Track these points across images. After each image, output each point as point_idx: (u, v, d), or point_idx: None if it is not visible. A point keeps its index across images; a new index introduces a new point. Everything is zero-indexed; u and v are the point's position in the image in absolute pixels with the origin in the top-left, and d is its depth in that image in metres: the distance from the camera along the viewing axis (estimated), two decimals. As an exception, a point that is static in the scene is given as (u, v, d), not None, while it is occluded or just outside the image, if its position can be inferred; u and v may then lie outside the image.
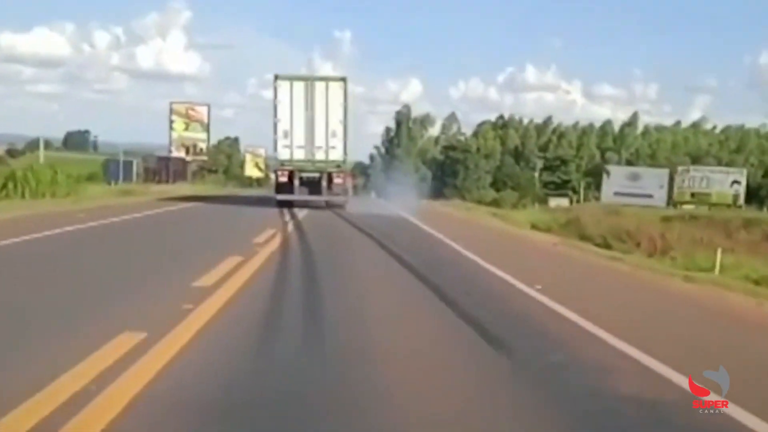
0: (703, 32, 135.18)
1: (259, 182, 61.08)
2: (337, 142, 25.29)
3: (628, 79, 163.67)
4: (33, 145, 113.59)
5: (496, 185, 67.04)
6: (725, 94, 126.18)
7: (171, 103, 59.28)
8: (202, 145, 58.69)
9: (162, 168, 56.22)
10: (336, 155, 25.31)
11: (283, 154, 25.25)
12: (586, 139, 79.63)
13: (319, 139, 25.26)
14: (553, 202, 59.50)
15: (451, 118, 79.43)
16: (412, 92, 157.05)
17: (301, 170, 25.00)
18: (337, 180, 25.12)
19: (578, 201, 61.71)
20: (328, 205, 25.21)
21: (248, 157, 65.81)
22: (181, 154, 57.70)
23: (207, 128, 58.86)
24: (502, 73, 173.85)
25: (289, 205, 24.18)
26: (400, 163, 68.04)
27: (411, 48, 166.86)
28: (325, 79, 26.05)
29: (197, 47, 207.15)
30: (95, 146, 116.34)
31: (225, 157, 78.47)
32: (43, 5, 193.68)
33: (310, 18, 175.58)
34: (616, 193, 51.32)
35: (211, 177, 63.60)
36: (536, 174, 67.74)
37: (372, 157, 75.56)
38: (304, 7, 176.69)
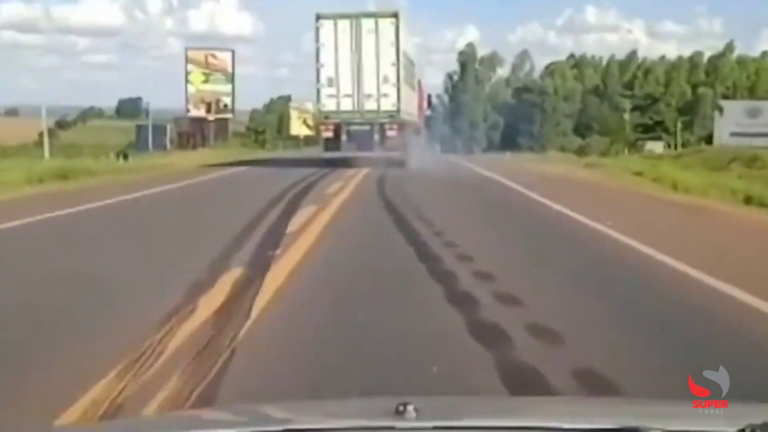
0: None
1: (309, 141, 53.56)
2: (390, 89, 22.12)
3: (692, 15, 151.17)
4: (84, 115, 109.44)
5: (579, 130, 58.77)
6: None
7: (186, 50, 49.68)
8: (227, 100, 49.27)
9: (197, 131, 49.57)
10: (389, 104, 22.19)
11: (328, 104, 22.60)
12: (675, 74, 70.71)
13: (369, 86, 22.21)
14: (648, 146, 51.96)
15: (523, 56, 70.24)
16: (469, 39, 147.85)
17: (349, 123, 22.41)
18: (390, 133, 22.31)
19: (675, 145, 53.77)
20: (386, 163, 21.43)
21: (294, 114, 56.59)
22: (200, 112, 48.60)
23: (232, 79, 49.32)
24: (561, 16, 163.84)
25: (341, 163, 21.37)
26: (467, 111, 60.07)
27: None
28: (374, 15, 22.70)
29: (250, 7, 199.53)
30: (147, 113, 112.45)
31: (276, 117, 72.10)
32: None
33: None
34: (733, 134, 42.68)
35: (240, 140, 56.50)
36: (626, 115, 58.63)
37: (434, 109, 67.13)
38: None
